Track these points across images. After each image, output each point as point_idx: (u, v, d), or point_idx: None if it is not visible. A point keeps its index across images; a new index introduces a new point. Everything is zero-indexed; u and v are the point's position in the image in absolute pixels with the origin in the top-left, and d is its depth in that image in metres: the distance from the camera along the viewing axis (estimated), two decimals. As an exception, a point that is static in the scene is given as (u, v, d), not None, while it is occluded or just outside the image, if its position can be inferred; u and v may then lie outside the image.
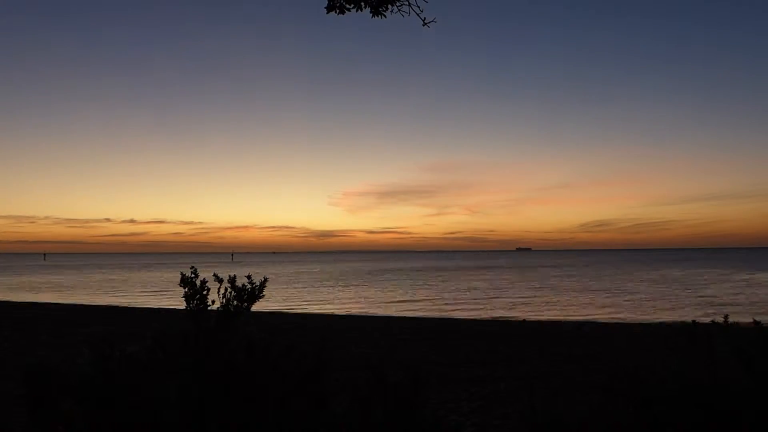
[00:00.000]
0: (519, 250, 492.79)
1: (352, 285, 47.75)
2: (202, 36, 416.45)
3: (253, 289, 3.27)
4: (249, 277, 3.30)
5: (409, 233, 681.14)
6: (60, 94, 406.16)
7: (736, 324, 3.40)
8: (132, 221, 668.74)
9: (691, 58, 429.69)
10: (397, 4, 3.95)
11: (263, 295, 3.31)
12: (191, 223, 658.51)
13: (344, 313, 25.09)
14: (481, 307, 28.83)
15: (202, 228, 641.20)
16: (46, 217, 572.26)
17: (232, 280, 3.27)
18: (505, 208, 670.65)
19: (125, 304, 29.35)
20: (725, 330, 3.35)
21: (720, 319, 3.42)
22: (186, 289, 3.23)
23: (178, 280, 3.23)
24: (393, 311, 26.70)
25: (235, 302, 3.25)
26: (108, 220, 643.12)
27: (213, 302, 3.24)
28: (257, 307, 3.41)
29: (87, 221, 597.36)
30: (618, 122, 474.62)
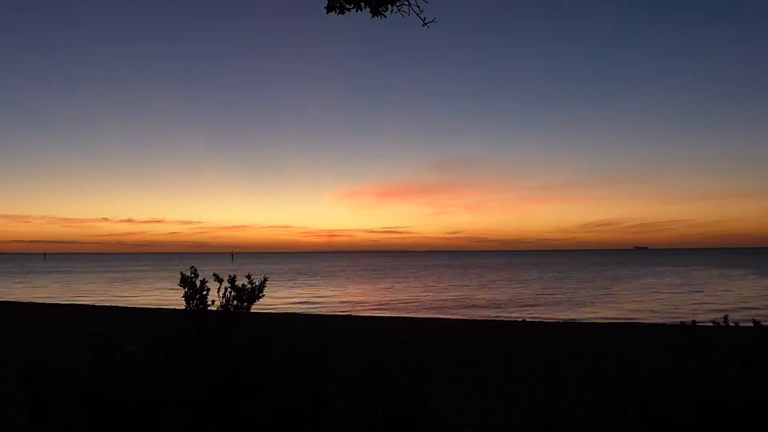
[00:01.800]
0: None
1: (352, 284, 47.87)
2: (199, 35, 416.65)
3: (253, 288, 3.28)
4: (249, 276, 3.30)
5: (410, 233, 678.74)
6: (56, 92, 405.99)
7: (736, 324, 3.40)
8: (130, 221, 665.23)
9: (695, 56, 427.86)
10: (397, 4, 3.95)
11: (263, 295, 3.32)
12: (190, 222, 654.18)
13: (344, 313, 25.10)
14: (482, 307, 28.87)
15: (200, 228, 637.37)
16: (42, 216, 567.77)
17: (231, 279, 3.28)
18: (506, 208, 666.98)
19: (125, 304, 29.36)
20: (725, 330, 3.36)
21: (719, 319, 3.43)
22: (186, 289, 3.23)
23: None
24: (393, 311, 26.71)
25: (235, 302, 3.25)
26: (105, 219, 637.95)
27: (213, 302, 3.25)
28: (257, 306, 3.42)
29: (83, 221, 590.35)
30: (621, 120, 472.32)
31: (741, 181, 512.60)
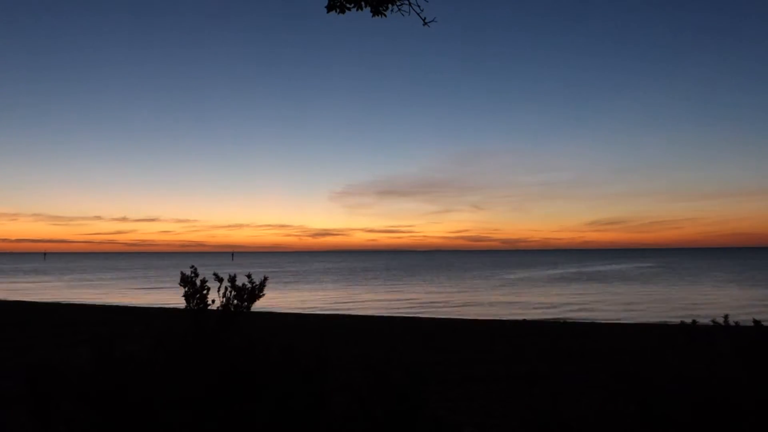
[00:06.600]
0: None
1: (352, 285, 47.86)
2: (198, 34, 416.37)
3: (253, 288, 3.28)
4: (249, 276, 3.30)
5: (411, 232, 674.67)
6: (51, 89, 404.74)
7: (737, 324, 3.40)
8: (124, 219, 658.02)
9: (703, 51, 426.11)
10: (398, 3, 3.95)
11: (263, 294, 3.32)
12: (186, 221, 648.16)
13: (344, 313, 25.09)
14: (482, 307, 28.86)
15: (195, 226, 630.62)
16: (33, 214, 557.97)
17: (232, 279, 3.28)
18: (511, 205, 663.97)
19: (125, 304, 29.35)
20: (725, 330, 3.35)
21: (719, 319, 3.42)
22: (186, 289, 3.23)
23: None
24: (393, 311, 26.70)
25: (235, 301, 3.25)
26: (98, 217, 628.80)
27: (213, 302, 3.25)
28: (257, 306, 3.41)
29: (74, 218, 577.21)
30: (628, 117, 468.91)
31: (753, 178, 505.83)
